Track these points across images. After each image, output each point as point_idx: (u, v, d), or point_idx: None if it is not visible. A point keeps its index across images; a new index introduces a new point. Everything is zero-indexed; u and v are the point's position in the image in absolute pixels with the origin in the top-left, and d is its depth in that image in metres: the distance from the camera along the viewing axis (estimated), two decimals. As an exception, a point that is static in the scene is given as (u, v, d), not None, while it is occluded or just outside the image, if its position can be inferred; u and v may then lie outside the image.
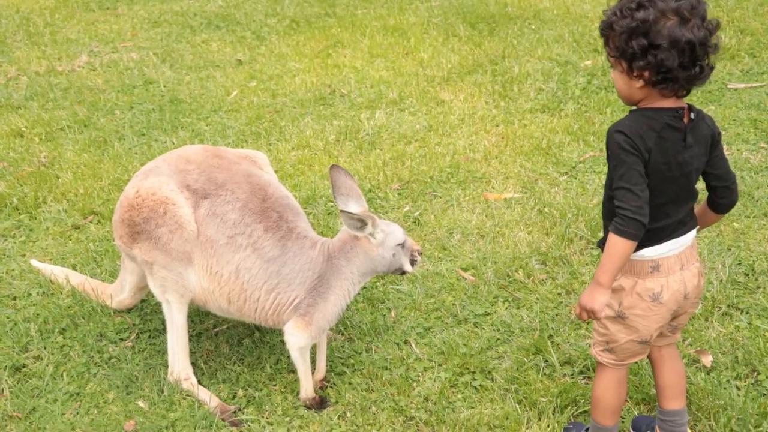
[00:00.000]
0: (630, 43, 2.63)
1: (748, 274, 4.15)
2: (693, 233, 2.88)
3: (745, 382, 3.50)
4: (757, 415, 3.29)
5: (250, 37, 8.10)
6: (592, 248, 4.40)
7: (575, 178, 5.13)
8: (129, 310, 4.18)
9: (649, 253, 2.80)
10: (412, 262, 3.54)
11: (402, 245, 3.48)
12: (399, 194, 5.09)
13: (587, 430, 3.24)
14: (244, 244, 3.46)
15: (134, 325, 4.10)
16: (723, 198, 2.91)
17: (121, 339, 4.02)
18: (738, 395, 3.40)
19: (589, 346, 3.71)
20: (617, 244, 2.68)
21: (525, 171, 5.25)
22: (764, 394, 3.44)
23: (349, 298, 3.51)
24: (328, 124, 6.08)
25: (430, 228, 4.73)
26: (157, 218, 3.47)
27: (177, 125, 6.20)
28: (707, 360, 3.61)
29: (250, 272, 3.46)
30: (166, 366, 3.75)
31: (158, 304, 3.72)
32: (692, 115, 2.73)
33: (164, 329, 3.75)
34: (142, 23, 8.66)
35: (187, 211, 3.48)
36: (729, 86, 6.18)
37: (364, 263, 3.47)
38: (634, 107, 2.79)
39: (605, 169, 5.06)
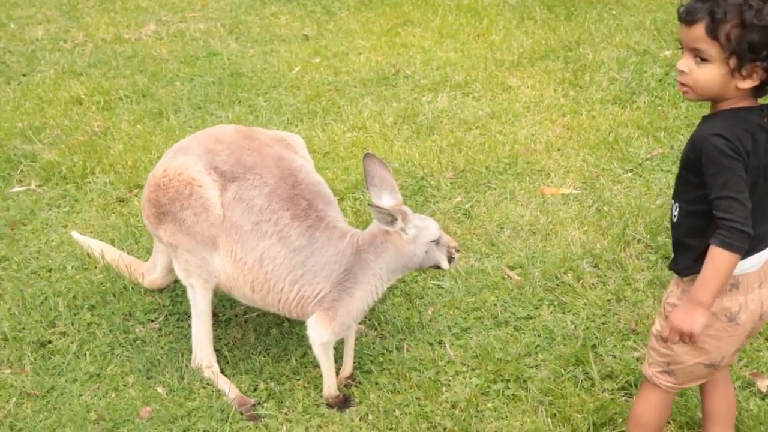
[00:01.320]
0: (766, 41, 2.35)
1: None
2: None
3: (803, 412, 3.20)
4: (812, 450, 3.00)
5: (320, 11, 7.92)
6: (650, 253, 4.11)
7: (640, 176, 4.81)
8: (160, 290, 4.07)
9: None
10: (450, 259, 3.32)
11: (436, 242, 3.26)
12: (452, 183, 4.86)
13: (621, 453, 3.00)
14: (269, 232, 3.29)
15: (164, 306, 3.99)
16: None
17: (149, 320, 3.92)
18: (793, 426, 3.11)
19: (636, 360, 3.46)
20: (725, 258, 2.40)
21: (587, 165, 4.96)
22: (823, 427, 3.13)
23: (377, 294, 3.31)
24: (387, 105, 5.87)
25: (480, 221, 4.48)
26: (182, 200, 3.33)
27: (234, 100, 6.07)
28: (763, 384, 3.32)
29: (275, 262, 3.28)
30: (191, 351, 3.62)
31: (189, 287, 3.59)
32: None
33: (193, 313, 3.62)
34: (214, -7, 8.56)
35: (213, 193, 3.33)
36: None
37: (394, 259, 3.26)
38: (712, 107, 2.52)
39: (674, 168, 4.78)
